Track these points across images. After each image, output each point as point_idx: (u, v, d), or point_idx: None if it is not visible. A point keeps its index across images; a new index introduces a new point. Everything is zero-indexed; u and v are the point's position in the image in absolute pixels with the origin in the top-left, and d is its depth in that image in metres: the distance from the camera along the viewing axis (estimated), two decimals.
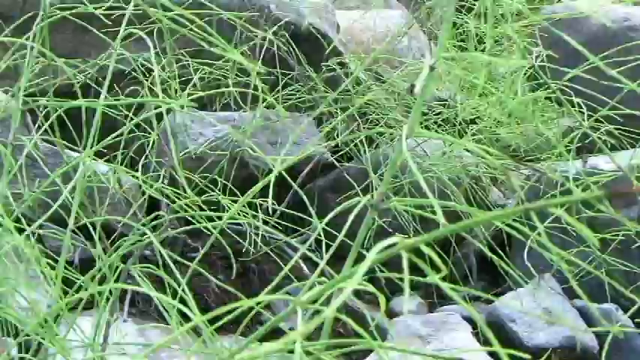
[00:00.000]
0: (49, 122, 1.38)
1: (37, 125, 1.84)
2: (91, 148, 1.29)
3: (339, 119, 2.49)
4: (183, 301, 1.03)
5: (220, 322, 0.86)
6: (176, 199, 1.52)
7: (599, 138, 2.12)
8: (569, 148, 2.45)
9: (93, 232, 1.32)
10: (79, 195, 1.15)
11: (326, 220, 0.94)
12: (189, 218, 1.45)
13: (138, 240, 1.30)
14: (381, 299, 0.69)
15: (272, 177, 0.97)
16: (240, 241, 2.17)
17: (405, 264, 0.59)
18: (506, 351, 0.64)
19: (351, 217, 0.85)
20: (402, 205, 0.86)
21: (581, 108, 2.15)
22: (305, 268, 2.30)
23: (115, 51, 1.34)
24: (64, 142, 1.89)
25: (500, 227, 1.01)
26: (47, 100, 1.32)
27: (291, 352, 0.68)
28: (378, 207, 0.82)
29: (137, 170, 1.88)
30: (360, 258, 0.69)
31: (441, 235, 0.59)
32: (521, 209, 0.62)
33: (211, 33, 1.09)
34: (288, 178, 1.82)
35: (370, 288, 0.77)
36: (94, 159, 1.91)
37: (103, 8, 1.41)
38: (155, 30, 1.93)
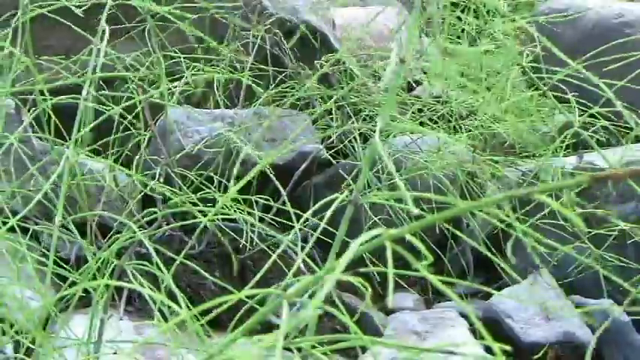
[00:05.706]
0: (32, 116, 1.37)
1: (26, 122, 1.84)
2: (82, 144, 1.29)
3: (322, 110, 2.49)
4: (174, 298, 1.03)
5: (215, 318, 0.86)
6: (171, 196, 1.52)
7: (595, 133, 2.12)
8: (566, 143, 2.45)
9: (79, 230, 1.32)
10: (65, 190, 1.15)
11: (306, 215, 0.94)
12: (185, 216, 1.46)
13: (130, 237, 1.30)
14: (368, 294, 0.69)
15: (254, 172, 0.97)
16: (237, 238, 2.17)
17: (389, 255, 0.59)
18: (500, 346, 0.64)
19: (329, 213, 0.86)
20: (382, 199, 0.86)
21: (578, 103, 2.15)
22: (301, 264, 2.29)
23: (95, 48, 1.34)
24: (63, 141, 1.89)
25: (498, 223, 1.02)
26: (36, 96, 1.32)
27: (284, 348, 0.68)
28: (357, 203, 0.83)
29: (132, 167, 1.88)
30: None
31: (426, 224, 0.59)
32: (506, 196, 0.62)
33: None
34: (271, 175, 1.82)
35: (359, 283, 0.77)
36: (89, 156, 1.90)
37: (87, 4, 1.41)
38: (147, 27, 1.93)
